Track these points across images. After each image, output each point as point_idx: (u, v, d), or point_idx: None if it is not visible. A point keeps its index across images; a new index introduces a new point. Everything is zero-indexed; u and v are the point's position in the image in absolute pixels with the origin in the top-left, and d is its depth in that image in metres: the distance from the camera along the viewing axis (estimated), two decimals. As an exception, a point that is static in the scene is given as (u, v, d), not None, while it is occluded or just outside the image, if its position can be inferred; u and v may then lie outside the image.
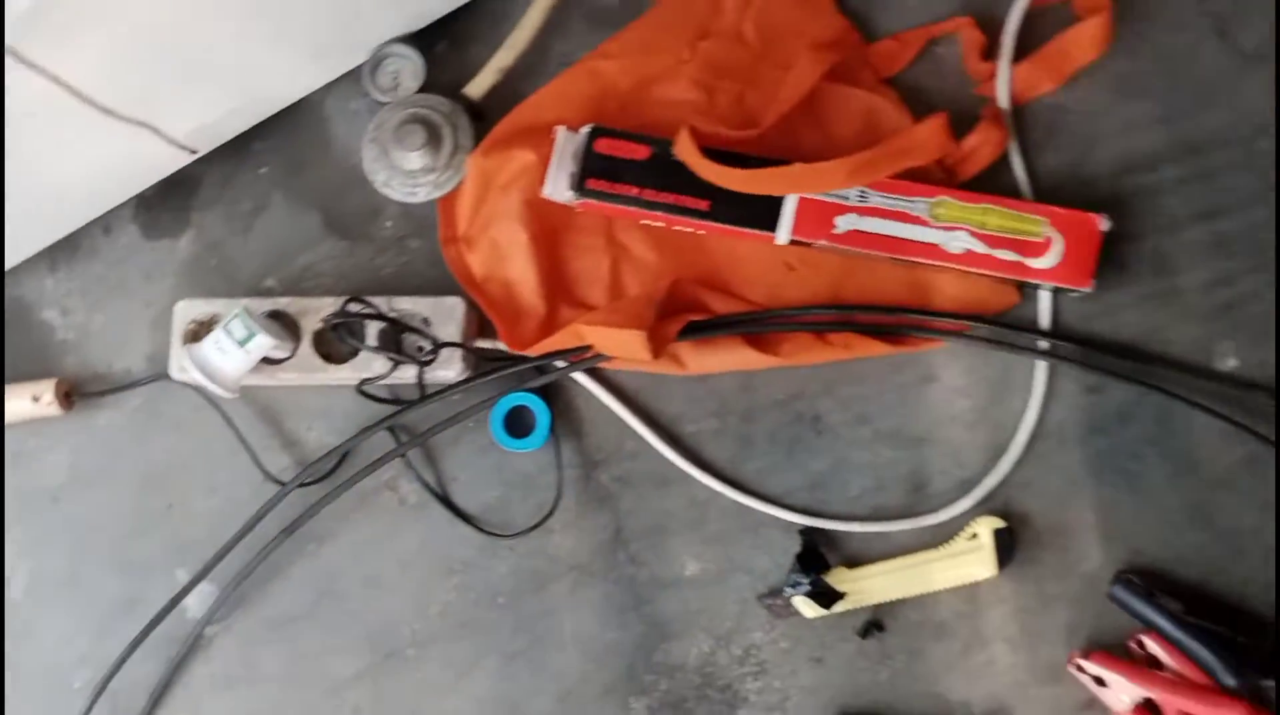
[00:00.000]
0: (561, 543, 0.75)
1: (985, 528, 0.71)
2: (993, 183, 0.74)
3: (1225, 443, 0.71)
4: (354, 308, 0.71)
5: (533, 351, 0.72)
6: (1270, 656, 0.67)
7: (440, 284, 0.76)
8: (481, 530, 0.74)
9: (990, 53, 0.74)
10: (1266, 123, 0.73)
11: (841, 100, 0.74)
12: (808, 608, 0.71)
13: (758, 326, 0.73)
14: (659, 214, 0.72)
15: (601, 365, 0.74)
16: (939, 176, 0.73)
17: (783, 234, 0.71)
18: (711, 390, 0.76)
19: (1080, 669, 0.70)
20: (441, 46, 0.80)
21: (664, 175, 0.71)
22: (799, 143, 0.73)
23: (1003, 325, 0.74)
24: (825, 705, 0.72)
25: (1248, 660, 0.66)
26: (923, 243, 0.71)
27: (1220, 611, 0.69)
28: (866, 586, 0.72)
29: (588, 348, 0.71)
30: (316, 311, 0.73)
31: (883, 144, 0.68)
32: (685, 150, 0.69)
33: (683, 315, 0.71)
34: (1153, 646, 0.69)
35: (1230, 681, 0.66)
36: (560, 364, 0.74)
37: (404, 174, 0.75)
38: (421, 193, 0.75)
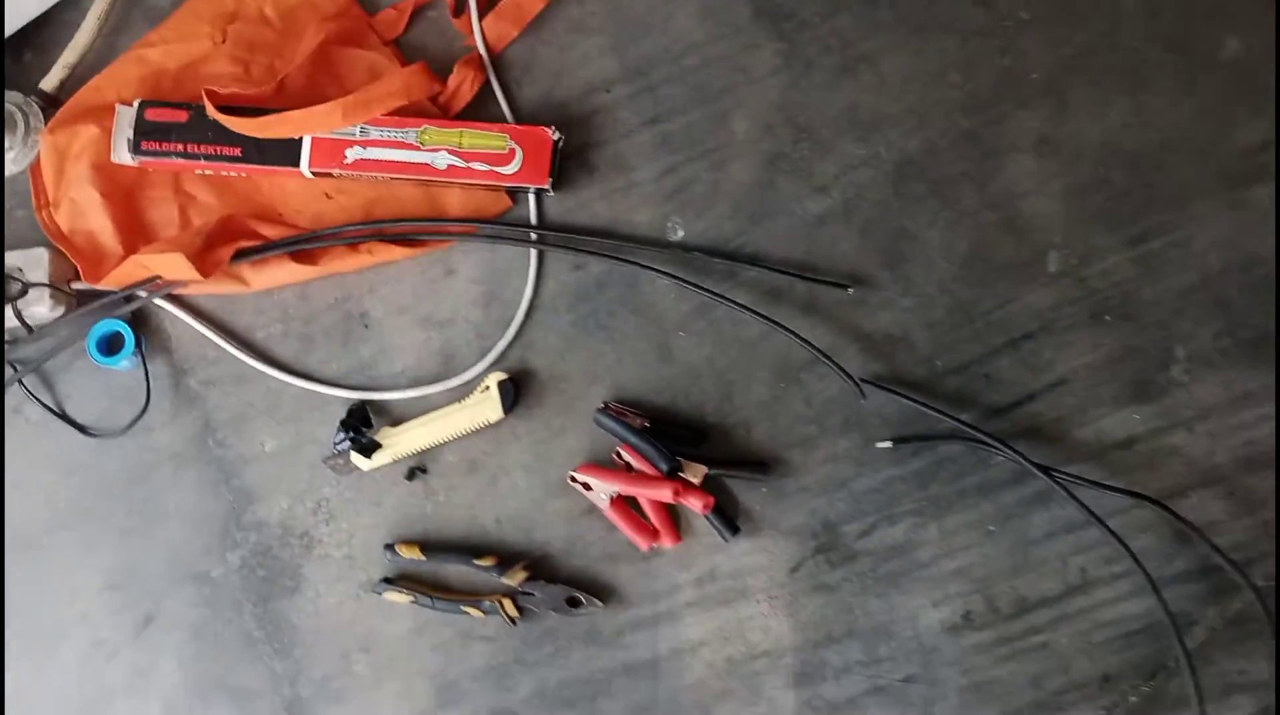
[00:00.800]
0: (161, 438, 0.92)
1: (493, 381, 0.90)
2: (482, 114, 0.94)
3: (679, 297, 0.91)
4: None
5: (106, 284, 0.89)
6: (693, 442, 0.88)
7: (44, 242, 0.93)
8: (91, 435, 0.91)
9: (462, 11, 0.94)
10: (692, 43, 0.93)
11: (351, 60, 0.93)
12: (360, 461, 0.90)
13: (301, 245, 0.91)
14: (205, 163, 0.90)
15: (181, 291, 0.91)
16: (435, 112, 0.92)
17: (305, 168, 0.89)
18: (275, 302, 0.93)
19: (573, 480, 0.89)
20: (28, 56, 0.96)
21: (202, 132, 0.89)
22: (322, 96, 0.91)
23: (501, 223, 0.93)
24: (383, 538, 0.90)
25: (676, 451, 0.87)
26: (416, 163, 0.90)
27: (682, 425, 0.89)
28: (406, 438, 0.90)
29: (157, 278, 0.89)
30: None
31: (368, 88, 0.87)
32: (210, 109, 0.87)
33: (236, 243, 0.89)
34: (626, 455, 0.88)
35: (664, 467, 0.86)
36: (142, 294, 0.91)
37: (-9, 156, 0.91)
38: (8, 168, 0.91)
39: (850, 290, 0.87)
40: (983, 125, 0.88)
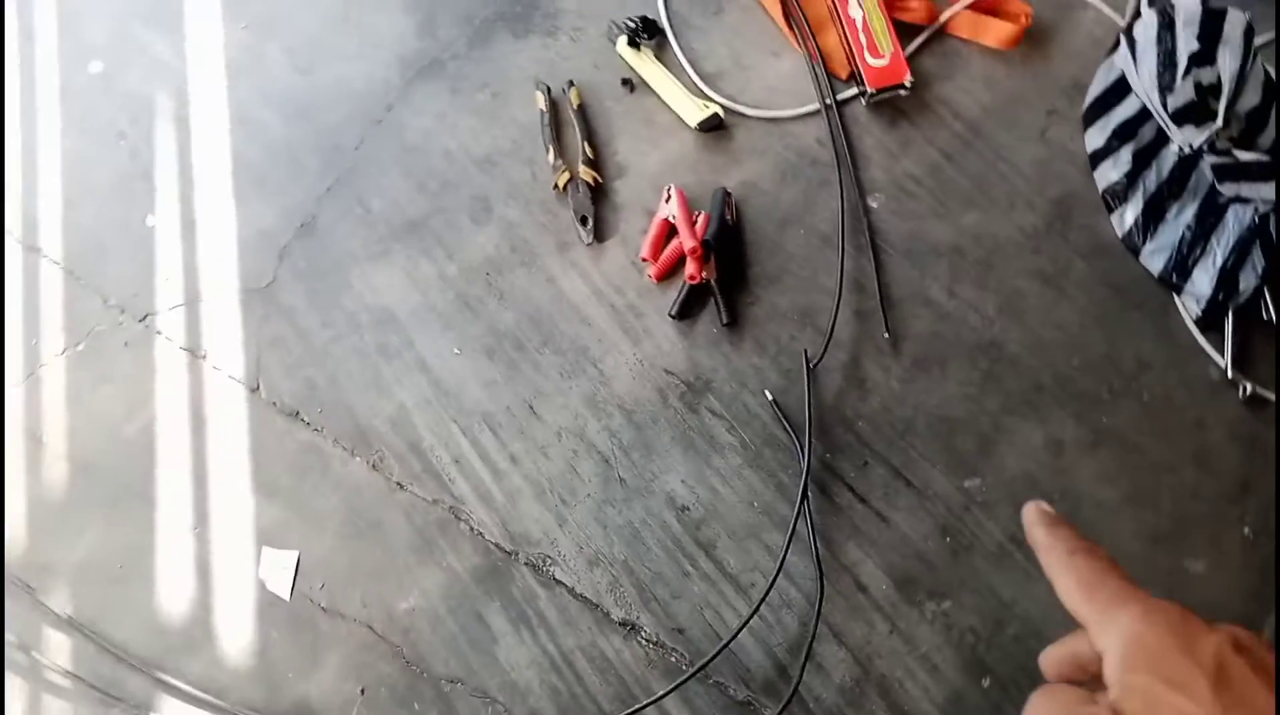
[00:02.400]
0: None
1: (713, 109, 1.17)
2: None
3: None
4: None
5: None
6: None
7: None
8: None
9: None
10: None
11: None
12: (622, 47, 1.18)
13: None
14: None
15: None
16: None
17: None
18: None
19: (667, 191, 1.14)
20: None
21: None
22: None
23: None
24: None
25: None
26: None
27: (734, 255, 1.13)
28: (648, 66, 1.18)
29: None
30: None
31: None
32: None
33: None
34: (699, 219, 1.13)
35: (708, 240, 1.10)
36: None
37: None
38: None
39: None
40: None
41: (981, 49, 1.21)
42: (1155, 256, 1.11)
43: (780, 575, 0.96)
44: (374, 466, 1.05)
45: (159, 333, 1.12)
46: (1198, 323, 1.09)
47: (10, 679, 0.99)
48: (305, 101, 1.20)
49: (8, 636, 1.01)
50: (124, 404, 1.09)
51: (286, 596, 1.01)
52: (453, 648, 0.98)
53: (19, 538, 1.05)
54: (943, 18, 1.22)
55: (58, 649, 1.00)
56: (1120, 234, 1.13)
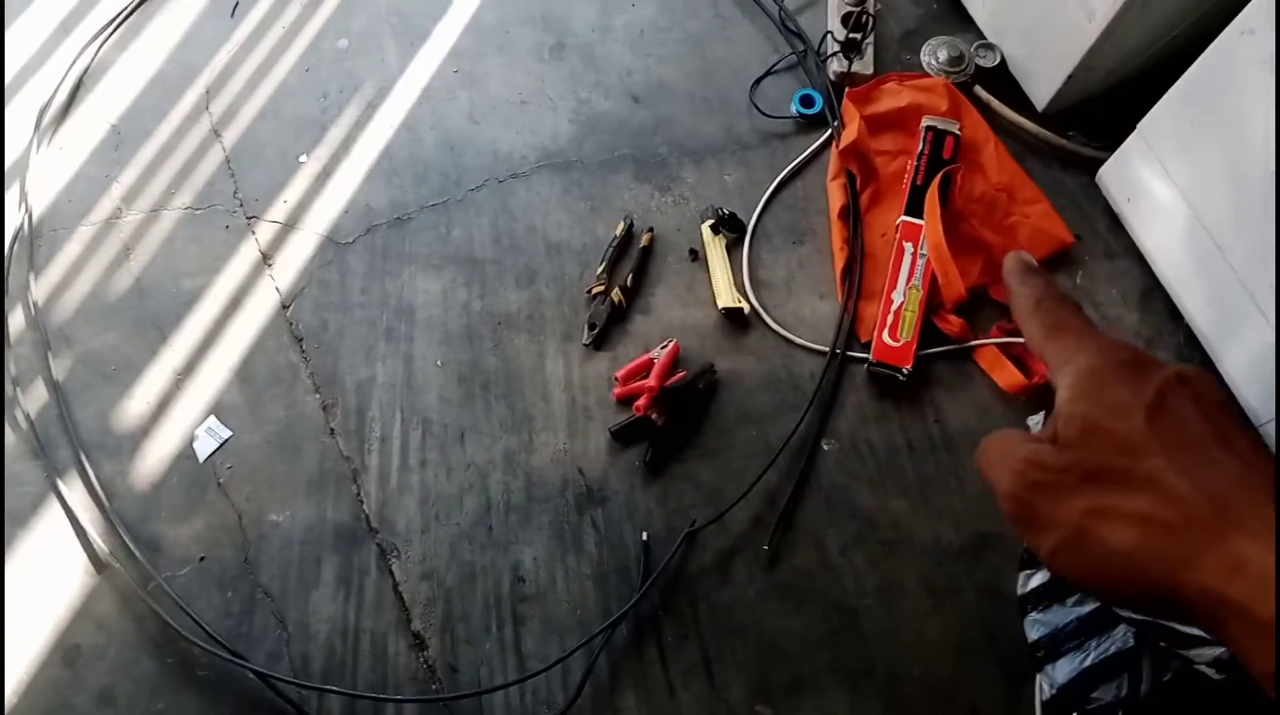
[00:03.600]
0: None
1: (744, 304, 1.35)
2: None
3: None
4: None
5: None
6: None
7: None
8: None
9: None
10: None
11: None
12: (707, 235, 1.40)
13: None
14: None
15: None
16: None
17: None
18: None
19: (666, 343, 1.33)
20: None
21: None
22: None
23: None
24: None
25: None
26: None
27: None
28: (715, 251, 1.39)
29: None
30: None
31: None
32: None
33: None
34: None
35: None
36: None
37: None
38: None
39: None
40: None
41: (992, 383, 1.34)
42: (1035, 626, 1.16)
43: (554, 671, 1.06)
44: (324, 407, 1.24)
45: (252, 233, 1.38)
46: (1044, 705, 1.13)
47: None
48: (459, 140, 1.48)
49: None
50: (197, 264, 1.35)
51: (201, 459, 1.20)
52: (284, 570, 1.13)
53: (69, 307, 1.30)
54: (970, 342, 1.37)
55: (35, 399, 1.23)
56: (1019, 591, 1.19)
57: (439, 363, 1.29)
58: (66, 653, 1.08)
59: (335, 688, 1.04)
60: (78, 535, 1.15)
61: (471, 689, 1.06)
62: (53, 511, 1.17)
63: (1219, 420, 0.33)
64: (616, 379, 1.28)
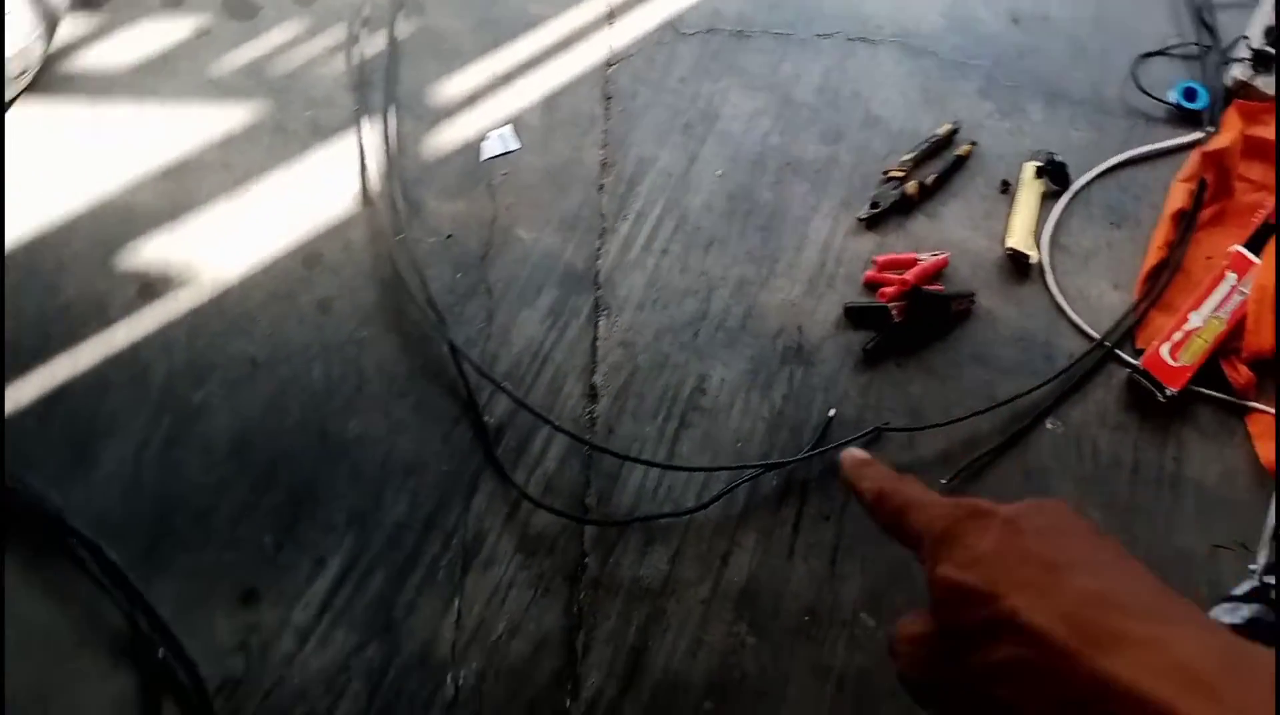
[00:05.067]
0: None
1: (1033, 254, 1.27)
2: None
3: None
4: None
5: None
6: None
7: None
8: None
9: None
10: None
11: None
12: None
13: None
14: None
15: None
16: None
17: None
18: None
19: (935, 254, 1.26)
20: None
21: None
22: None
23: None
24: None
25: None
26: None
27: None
28: (1026, 194, 1.31)
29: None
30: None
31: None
32: None
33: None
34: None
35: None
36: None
37: None
38: None
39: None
40: None
41: (1251, 451, 1.21)
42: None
43: (695, 478, 1.06)
44: (603, 164, 1.30)
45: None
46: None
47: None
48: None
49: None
50: (550, -4, 1.41)
51: (483, 157, 1.28)
52: (510, 279, 1.20)
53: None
54: (1250, 402, 1.23)
55: (373, 45, 1.33)
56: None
57: (719, 173, 1.29)
58: (309, 257, 1.19)
59: (510, 388, 1.09)
60: (360, 167, 1.25)
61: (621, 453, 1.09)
62: (349, 139, 1.27)
63: (1063, 546, 0.33)
64: (874, 262, 1.24)
